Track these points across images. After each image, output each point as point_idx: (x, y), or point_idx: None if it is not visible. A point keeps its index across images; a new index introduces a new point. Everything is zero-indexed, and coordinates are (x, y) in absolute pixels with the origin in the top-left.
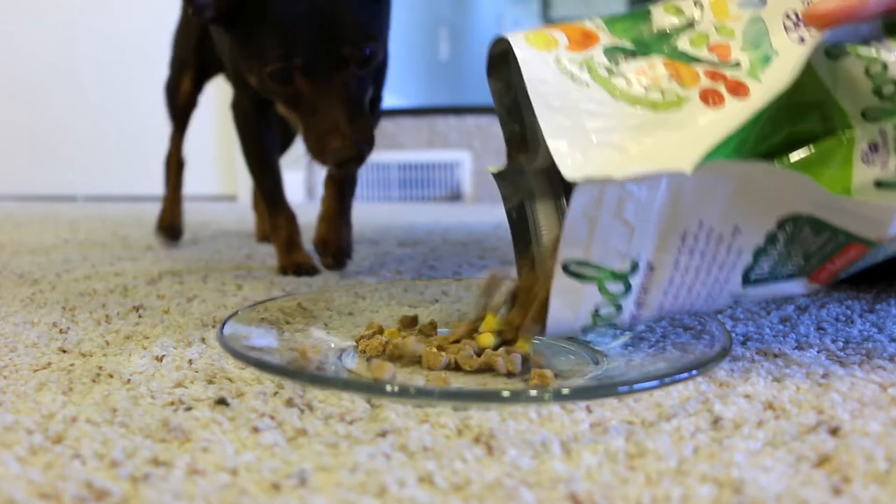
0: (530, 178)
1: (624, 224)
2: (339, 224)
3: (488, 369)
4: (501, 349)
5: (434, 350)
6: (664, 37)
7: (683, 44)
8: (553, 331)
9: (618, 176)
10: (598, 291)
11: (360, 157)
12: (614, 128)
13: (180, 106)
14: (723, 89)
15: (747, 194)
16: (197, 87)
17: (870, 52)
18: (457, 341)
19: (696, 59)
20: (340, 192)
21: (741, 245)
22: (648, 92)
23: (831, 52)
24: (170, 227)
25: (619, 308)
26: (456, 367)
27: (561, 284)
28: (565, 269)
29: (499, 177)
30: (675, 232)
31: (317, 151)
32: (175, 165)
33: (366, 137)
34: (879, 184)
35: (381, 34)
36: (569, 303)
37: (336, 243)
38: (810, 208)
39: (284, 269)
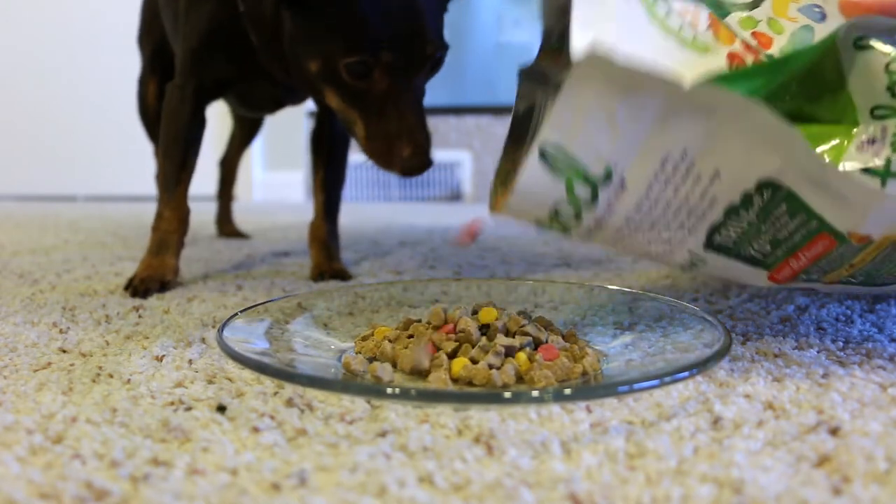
0: (551, 87)
1: (611, 125)
2: (331, 246)
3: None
4: (496, 358)
5: (407, 351)
6: (720, 3)
7: (734, 17)
8: (517, 208)
9: (620, 61)
10: (565, 191)
11: (429, 167)
12: (638, 41)
13: (150, 118)
14: (750, 61)
15: (736, 137)
16: (164, 95)
17: (893, 49)
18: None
19: (738, 35)
20: (330, 204)
21: (716, 193)
22: (683, 30)
23: (858, 42)
24: None
25: (578, 216)
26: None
27: (533, 164)
28: (542, 151)
29: (523, 74)
30: (657, 153)
31: (384, 155)
32: None
33: (430, 145)
34: (867, 170)
35: None
36: (535, 186)
37: (331, 269)
38: (793, 177)
39: (130, 281)
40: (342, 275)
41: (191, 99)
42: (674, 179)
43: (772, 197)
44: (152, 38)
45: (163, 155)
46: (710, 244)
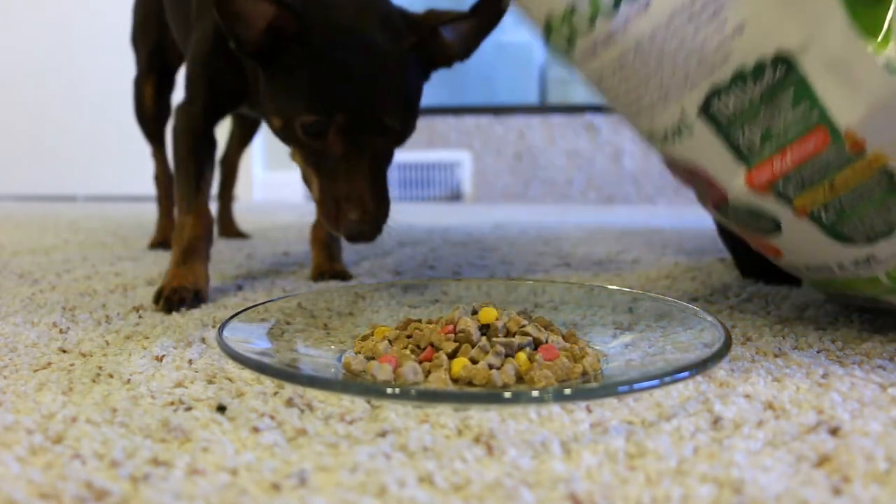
0: None
1: None
2: (332, 247)
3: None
4: (496, 358)
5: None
6: None
7: None
8: None
9: None
10: None
11: (374, 236)
12: None
13: (148, 119)
14: None
15: None
16: (162, 95)
17: None
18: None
19: None
20: None
21: (732, 49)
22: None
23: None
24: (163, 243)
25: (592, 22)
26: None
27: None
28: None
29: None
30: None
31: (331, 216)
32: (163, 183)
33: (385, 215)
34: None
35: (418, 113)
36: None
37: (332, 270)
38: (812, 59)
39: (160, 294)
40: (342, 275)
41: (201, 116)
42: (698, 18)
43: (784, 76)
44: (149, 38)
45: (178, 170)
46: (705, 109)
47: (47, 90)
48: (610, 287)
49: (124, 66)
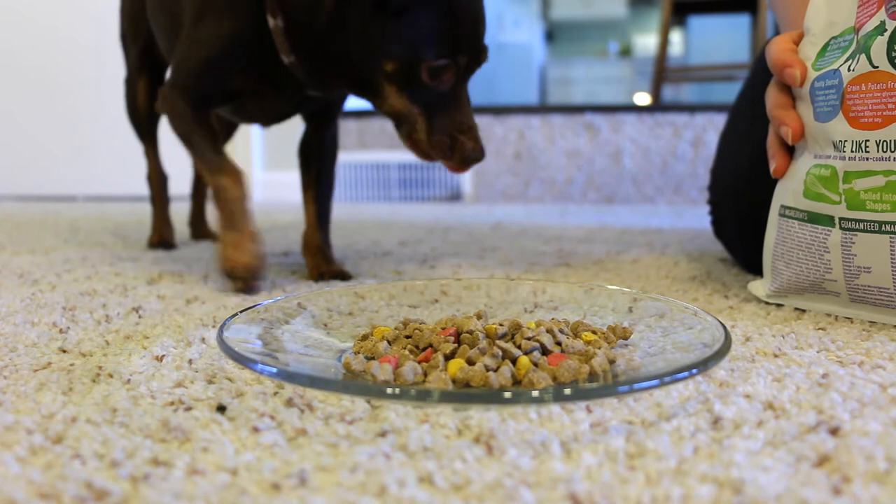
0: None
1: None
2: (326, 252)
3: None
4: (493, 360)
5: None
6: None
7: None
8: None
9: None
10: None
11: (484, 156)
12: None
13: (142, 118)
14: None
15: None
16: (154, 95)
17: None
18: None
19: None
20: (322, 214)
21: None
22: None
23: None
24: (160, 243)
25: None
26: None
27: None
28: None
29: None
30: None
31: (445, 148)
32: (157, 183)
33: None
34: None
35: None
36: None
37: (331, 270)
38: None
39: (232, 271)
40: (342, 275)
41: (192, 103)
42: None
43: None
44: (139, 37)
45: (190, 146)
46: None
47: (47, 90)
48: (610, 287)
49: (124, 65)
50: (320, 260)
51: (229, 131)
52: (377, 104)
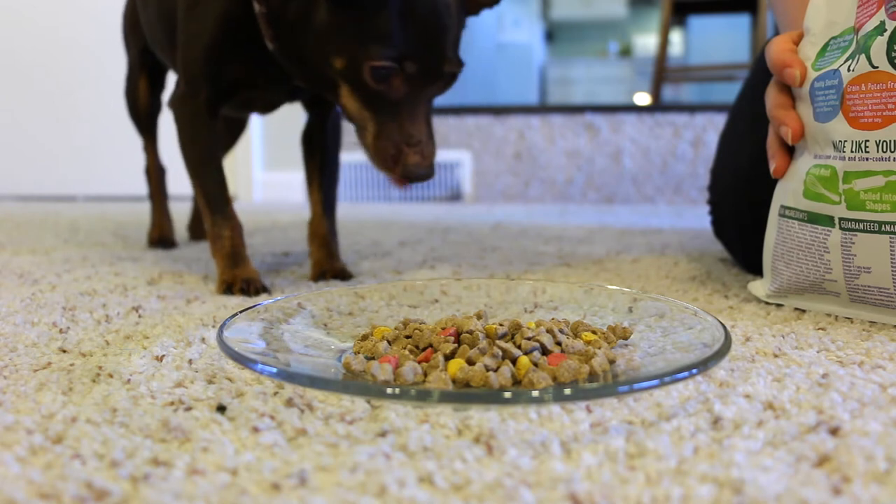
0: None
1: None
2: (331, 243)
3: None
4: (492, 360)
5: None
6: None
7: None
8: None
9: None
10: None
11: (432, 176)
12: None
13: (142, 114)
14: None
15: None
16: (155, 90)
17: None
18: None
19: None
20: (328, 201)
21: None
22: None
23: None
24: (160, 240)
25: None
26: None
27: None
28: None
29: None
30: None
31: (389, 160)
32: (155, 177)
33: (434, 156)
34: None
35: None
36: None
37: (333, 269)
38: None
39: (229, 285)
40: (343, 274)
41: (204, 109)
42: None
43: None
44: (138, 36)
45: (198, 178)
46: None
47: (47, 90)
48: (610, 287)
49: (124, 65)
50: (325, 254)
51: (234, 134)
52: (338, 104)
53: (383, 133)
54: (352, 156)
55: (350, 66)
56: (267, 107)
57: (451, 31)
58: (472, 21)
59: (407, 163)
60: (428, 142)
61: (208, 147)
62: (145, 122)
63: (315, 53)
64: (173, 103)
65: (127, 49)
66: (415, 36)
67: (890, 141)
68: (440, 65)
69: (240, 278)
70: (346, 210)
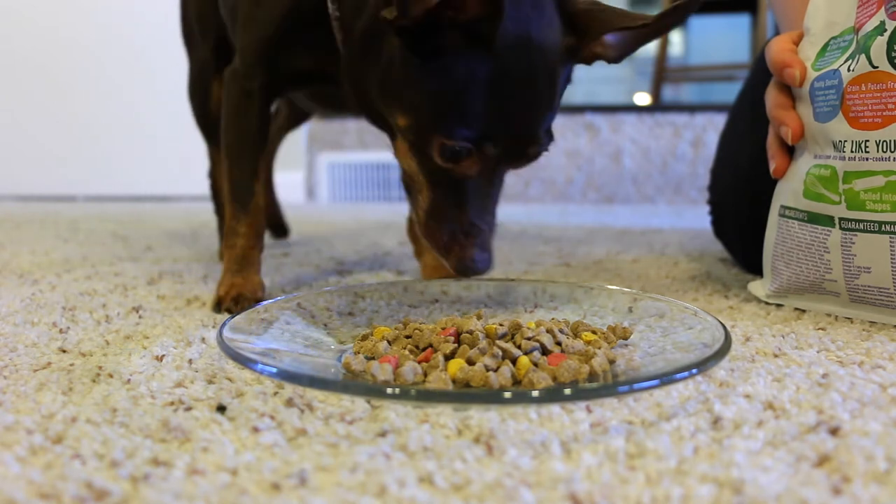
0: None
1: None
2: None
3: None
4: (492, 360)
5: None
6: None
7: None
8: None
9: None
10: None
11: (488, 270)
12: None
13: (215, 121)
14: None
15: None
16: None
17: None
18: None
19: None
20: None
21: None
22: None
23: None
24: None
25: None
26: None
27: None
28: None
29: None
30: None
31: (440, 242)
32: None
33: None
34: None
35: None
36: None
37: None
38: None
39: (219, 301)
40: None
41: (258, 94)
42: None
43: None
44: (209, 32)
45: (230, 161)
46: None
47: (47, 90)
48: (610, 287)
49: (124, 65)
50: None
51: (298, 119)
52: (391, 150)
53: (438, 212)
54: (352, 156)
55: (415, 130)
56: (337, 105)
57: (548, 103)
58: None
59: (463, 256)
60: (486, 230)
61: (250, 133)
62: (215, 129)
63: (375, 92)
64: (226, 79)
65: (191, 48)
66: (502, 112)
67: (890, 141)
68: (525, 149)
69: (230, 296)
70: (347, 210)
